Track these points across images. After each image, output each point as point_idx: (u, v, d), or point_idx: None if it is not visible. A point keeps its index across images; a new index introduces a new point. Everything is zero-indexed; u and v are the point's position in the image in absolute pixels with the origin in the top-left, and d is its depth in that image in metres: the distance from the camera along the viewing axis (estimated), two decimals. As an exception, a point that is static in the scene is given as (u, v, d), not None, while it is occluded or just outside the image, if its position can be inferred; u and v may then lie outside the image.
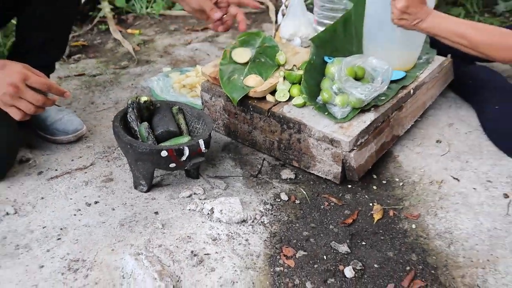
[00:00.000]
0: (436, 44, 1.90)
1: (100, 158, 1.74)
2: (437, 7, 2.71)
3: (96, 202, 1.53)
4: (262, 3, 2.99)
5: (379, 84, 1.65)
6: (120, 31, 2.56)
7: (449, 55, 2.01)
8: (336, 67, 1.69)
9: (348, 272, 1.29)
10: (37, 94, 1.34)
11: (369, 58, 1.73)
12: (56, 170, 1.69)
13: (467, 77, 2.03)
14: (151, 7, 2.86)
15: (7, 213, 1.47)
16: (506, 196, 1.59)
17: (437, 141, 1.86)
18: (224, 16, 1.76)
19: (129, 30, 2.63)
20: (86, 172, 1.68)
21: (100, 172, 1.68)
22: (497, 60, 1.64)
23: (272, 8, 2.90)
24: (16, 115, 1.34)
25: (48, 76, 1.87)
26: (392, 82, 1.79)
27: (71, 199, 1.54)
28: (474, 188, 1.63)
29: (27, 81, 1.33)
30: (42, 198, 1.55)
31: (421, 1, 1.59)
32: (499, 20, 2.80)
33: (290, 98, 1.74)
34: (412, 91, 1.84)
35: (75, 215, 1.48)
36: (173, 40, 2.57)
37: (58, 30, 1.84)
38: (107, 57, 2.36)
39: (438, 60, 2.00)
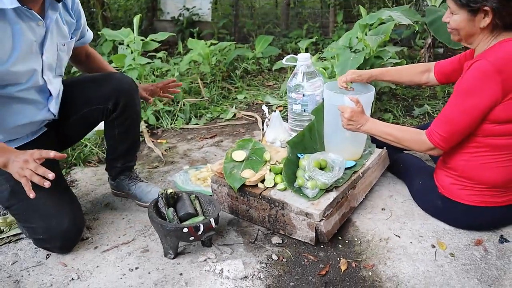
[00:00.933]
0: (375, 140, 1.89)
1: (139, 235, 1.67)
2: (373, 114, 2.75)
3: (136, 268, 1.48)
4: (252, 116, 3.02)
5: (337, 171, 1.63)
6: (152, 141, 2.56)
7: (384, 147, 1.98)
8: (306, 161, 1.66)
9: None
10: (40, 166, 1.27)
11: (329, 153, 1.71)
12: (107, 245, 1.61)
13: (399, 162, 1.99)
14: (174, 123, 2.87)
15: (72, 279, 1.43)
16: (433, 246, 1.55)
17: (382, 209, 1.80)
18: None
19: (159, 140, 2.63)
20: (129, 246, 1.60)
21: (139, 245, 1.61)
22: (413, 150, 1.65)
23: (259, 119, 2.89)
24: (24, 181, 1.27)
25: (132, 168, 1.90)
26: (346, 169, 1.74)
27: (118, 266, 1.49)
28: (410, 242, 1.57)
29: (29, 166, 1.27)
30: (97, 266, 1.49)
31: (361, 112, 1.62)
32: (417, 121, 2.78)
33: (275, 184, 1.69)
34: (361, 175, 1.79)
35: (121, 278, 1.43)
36: (190, 146, 2.54)
37: (134, 137, 1.87)
38: (143, 160, 2.34)
39: (378, 151, 1.96)
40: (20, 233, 1.68)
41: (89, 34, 1.79)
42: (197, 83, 3.53)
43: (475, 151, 1.51)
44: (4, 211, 1.86)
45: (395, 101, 3.15)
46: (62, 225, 1.48)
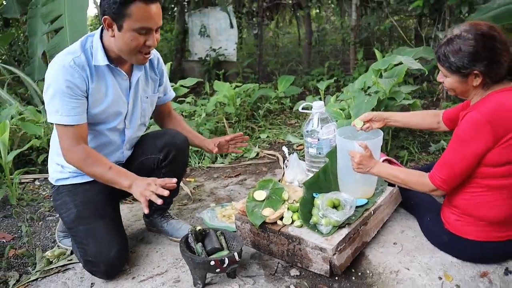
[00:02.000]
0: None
1: (171, 267, 1.84)
2: (389, 151, 2.92)
3: None
4: (273, 155, 3.22)
5: (348, 210, 1.78)
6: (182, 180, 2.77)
7: (396, 186, 2.07)
8: (321, 200, 1.81)
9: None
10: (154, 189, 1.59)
11: (342, 193, 1.86)
12: (144, 275, 1.79)
13: (410, 199, 2.10)
14: (201, 162, 3.06)
15: None
16: (440, 278, 1.67)
17: (394, 243, 1.92)
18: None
19: (187, 179, 2.79)
20: (162, 276, 1.78)
21: (171, 276, 1.78)
22: (417, 191, 1.77)
23: (281, 159, 3.08)
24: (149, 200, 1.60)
25: (167, 210, 2.16)
26: (358, 207, 1.89)
27: None
28: (419, 274, 1.69)
29: (151, 188, 1.60)
30: None
31: (369, 156, 1.80)
32: (432, 157, 2.91)
33: (293, 221, 1.83)
34: (372, 212, 1.92)
35: None
36: (216, 184, 2.70)
37: (177, 184, 2.05)
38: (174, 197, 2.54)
39: (389, 189, 2.08)
40: (68, 264, 1.92)
41: (171, 94, 2.12)
42: (223, 123, 3.79)
43: (475, 191, 1.66)
44: (53, 244, 2.13)
45: (411, 137, 3.31)
46: (110, 252, 1.73)
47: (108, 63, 1.70)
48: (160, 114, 2.14)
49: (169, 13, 8.03)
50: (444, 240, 1.81)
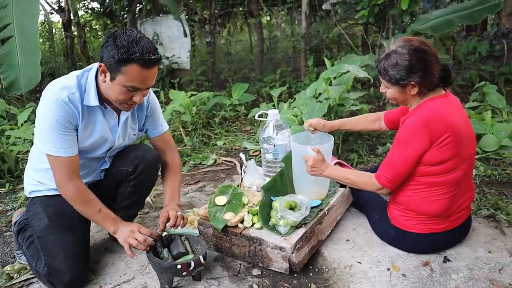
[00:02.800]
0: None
1: (138, 274, 1.90)
2: (340, 154, 3.11)
3: None
4: (231, 161, 3.33)
5: (304, 210, 1.91)
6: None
7: (347, 187, 2.25)
8: (278, 203, 1.93)
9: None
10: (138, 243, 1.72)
11: (297, 195, 1.99)
12: (111, 284, 1.84)
13: (360, 198, 2.27)
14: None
15: None
16: (388, 269, 1.83)
17: (347, 240, 2.07)
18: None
19: None
20: (130, 283, 1.83)
21: (139, 282, 1.84)
22: (366, 190, 1.94)
23: (238, 165, 3.19)
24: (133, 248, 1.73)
25: (132, 220, 2.19)
26: (313, 207, 2.03)
27: None
28: (370, 267, 1.85)
29: (134, 235, 1.73)
30: None
31: (322, 160, 1.95)
32: (380, 159, 3.10)
33: (253, 224, 1.93)
34: (326, 212, 2.06)
35: None
36: None
37: (140, 200, 2.17)
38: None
39: (341, 190, 2.25)
40: (30, 278, 1.93)
41: (163, 128, 2.09)
42: (179, 131, 3.86)
43: (416, 188, 1.85)
44: (12, 259, 2.12)
45: (360, 141, 3.53)
46: (77, 263, 1.79)
47: (99, 104, 1.74)
48: (156, 150, 2.10)
49: (120, 19, 7.97)
50: (390, 235, 1.99)
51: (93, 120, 1.80)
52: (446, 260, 1.90)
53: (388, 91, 1.84)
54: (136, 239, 1.72)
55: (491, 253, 1.92)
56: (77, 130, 1.76)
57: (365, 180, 1.89)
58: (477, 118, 3.27)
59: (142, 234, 1.75)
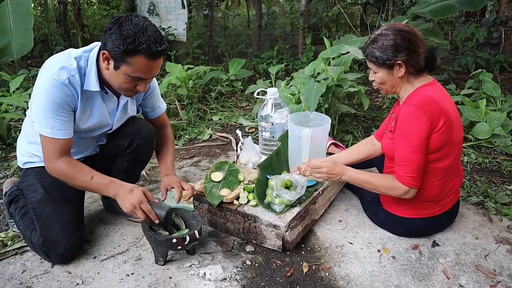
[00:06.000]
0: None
1: (132, 246, 1.93)
2: (335, 135, 3.12)
3: (132, 274, 1.74)
4: (226, 137, 3.33)
5: (299, 190, 1.92)
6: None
7: None
8: (274, 181, 1.94)
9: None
10: (143, 213, 1.67)
11: (293, 174, 1.98)
12: (105, 255, 1.87)
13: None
14: None
15: (77, 284, 1.69)
16: (379, 251, 1.87)
17: (339, 221, 2.10)
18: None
19: None
20: (124, 255, 1.86)
21: (133, 254, 1.87)
22: (390, 195, 1.83)
23: (233, 141, 3.19)
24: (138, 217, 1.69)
25: None
26: (308, 187, 2.02)
27: (116, 272, 1.75)
28: (361, 248, 1.89)
29: (141, 205, 1.66)
30: (98, 273, 1.75)
31: (335, 164, 1.88)
32: None
33: (248, 201, 1.95)
34: (321, 192, 2.08)
35: (120, 282, 1.69)
36: None
37: (135, 174, 2.16)
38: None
39: None
40: (24, 246, 1.94)
41: (159, 110, 2.07)
42: (175, 105, 3.84)
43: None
44: (5, 227, 2.12)
45: (356, 122, 3.54)
46: (72, 235, 1.80)
47: (99, 89, 1.70)
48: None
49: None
50: (382, 218, 2.02)
51: (91, 103, 1.76)
52: (434, 244, 1.94)
53: (377, 75, 1.82)
54: (142, 210, 1.67)
55: (478, 239, 1.97)
56: (74, 112, 1.72)
57: (388, 183, 1.79)
58: (472, 106, 3.29)
59: (147, 204, 1.68)
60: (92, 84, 1.68)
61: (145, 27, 1.53)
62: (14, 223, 2.02)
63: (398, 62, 1.74)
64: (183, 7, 6.30)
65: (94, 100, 1.76)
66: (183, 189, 1.88)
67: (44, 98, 1.62)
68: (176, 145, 3.19)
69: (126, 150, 2.01)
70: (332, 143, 2.54)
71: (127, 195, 1.68)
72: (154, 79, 1.99)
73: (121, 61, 1.57)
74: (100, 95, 1.76)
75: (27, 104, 3.11)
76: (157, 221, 1.70)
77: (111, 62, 1.60)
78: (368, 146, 2.16)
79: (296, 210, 1.92)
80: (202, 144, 3.22)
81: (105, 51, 1.58)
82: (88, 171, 1.72)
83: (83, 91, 1.69)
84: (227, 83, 4.54)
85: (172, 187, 1.89)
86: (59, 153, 1.69)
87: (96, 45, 1.71)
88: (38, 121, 1.66)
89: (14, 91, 3.40)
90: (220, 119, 3.75)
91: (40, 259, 1.86)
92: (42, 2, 7.29)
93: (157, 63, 1.60)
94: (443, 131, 1.73)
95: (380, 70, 1.79)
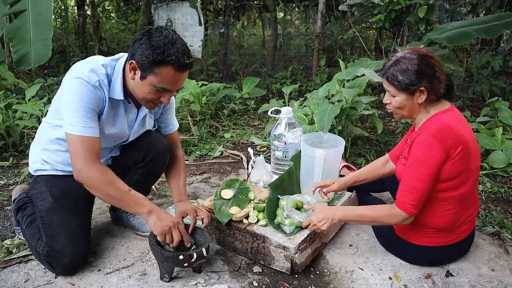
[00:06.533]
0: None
1: (137, 260, 1.89)
2: (348, 158, 3.08)
3: None
4: (237, 155, 3.32)
5: (310, 211, 1.89)
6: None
7: (354, 191, 2.24)
8: (285, 202, 1.92)
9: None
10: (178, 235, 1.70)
11: (304, 196, 1.97)
12: (110, 268, 1.84)
13: (366, 204, 2.11)
14: None
15: None
16: (390, 278, 1.82)
17: (350, 245, 2.05)
18: None
19: None
20: (129, 269, 1.83)
21: (138, 269, 1.83)
22: (389, 224, 1.83)
23: (244, 159, 3.17)
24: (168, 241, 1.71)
25: None
26: None
27: (120, 286, 1.72)
28: (372, 274, 1.83)
29: (172, 230, 1.68)
30: (102, 286, 1.72)
31: (323, 209, 1.85)
32: None
33: (258, 221, 1.92)
34: None
35: None
36: None
37: (147, 188, 2.16)
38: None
39: (348, 194, 2.22)
40: (29, 255, 1.92)
41: (172, 127, 2.08)
42: (187, 120, 3.84)
43: (426, 203, 1.80)
44: (11, 234, 2.11)
45: (368, 146, 3.50)
46: (78, 247, 1.77)
47: (123, 98, 1.72)
48: None
49: (134, 2, 7.93)
50: (394, 245, 1.96)
51: (114, 112, 1.77)
52: (448, 274, 1.88)
53: (395, 99, 1.77)
54: (172, 237, 1.69)
55: (494, 272, 1.90)
56: (99, 117, 1.72)
57: (386, 212, 1.77)
58: (487, 134, 3.24)
59: (183, 226, 1.74)
60: (117, 92, 1.69)
61: (175, 39, 1.55)
62: (20, 230, 2.00)
63: (421, 88, 1.70)
64: (200, 24, 6.37)
65: (117, 109, 1.77)
66: (198, 216, 1.89)
67: (75, 98, 1.61)
68: (187, 160, 3.17)
69: (139, 163, 1.99)
70: (344, 165, 2.50)
71: (164, 214, 1.69)
72: (173, 96, 1.99)
73: (148, 71, 1.58)
74: (123, 105, 1.77)
75: (42, 112, 3.14)
76: (188, 245, 1.74)
77: (138, 72, 1.62)
78: (381, 167, 2.13)
79: (306, 232, 1.88)
80: (212, 161, 3.20)
81: (133, 61, 1.60)
82: (125, 183, 1.70)
83: (109, 98, 1.70)
84: (240, 101, 4.55)
85: (187, 214, 1.88)
86: (93, 155, 1.64)
87: (123, 55, 1.73)
88: (68, 121, 1.62)
89: (29, 99, 3.43)
90: (231, 136, 3.74)
91: (44, 268, 1.83)
92: (63, 14, 7.44)
93: (183, 76, 1.62)
94: (459, 159, 1.69)
95: (400, 94, 1.75)
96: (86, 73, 1.63)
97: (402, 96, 1.74)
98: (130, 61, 1.61)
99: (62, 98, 1.66)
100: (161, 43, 1.52)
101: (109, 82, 1.69)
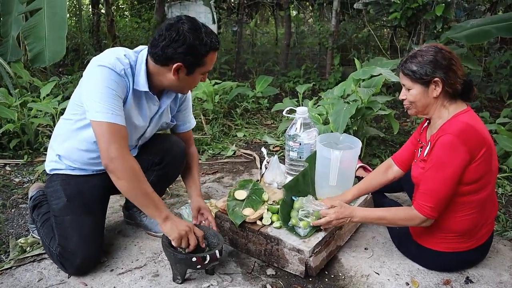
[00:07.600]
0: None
1: (150, 261, 1.88)
2: (362, 158, 3.03)
3: None
4: (250, 155, 3.29)
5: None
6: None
7: (370, 193, 2.18)
8: (299, 203, 1.89)
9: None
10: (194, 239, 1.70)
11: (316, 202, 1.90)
12: (122, 268, 1.83)
13: (381, 206, 2.13)
14: None
15: None
16: (407, 284, 1.78)
17: (365, 249, 2.02)
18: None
19: None
20: (141, 270, 1.82)
21: (150, 270, 1.82)
22: (407, 226, 1.84)
23: (257, 159, 3.14)
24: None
25: None
26: None
27: (132, 287, 1.73)
28: (388, 279, 1.80)
29: (189, 234, 1.68)
30: (114, 287, 1.72)
31: (341, 207, 1.82)
32: None
33: (272, 222, 1.89)
34: None
35: None
36: None
37: (161, 190, 2.14)
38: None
39: (363, 196, 2.14)
40: (43, 253, 1.92)
41: (189, 124, 2.08)
42: (200, 119, 3.82)
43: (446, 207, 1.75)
44: (26, 233, 2.11)
45: (383, 146, 3.45)
46: (90, 247, 1.77)
47: (147, 89, 1.71)
48: None
49: (148, 0, 7.94)
50: (411, 249, 1.92)
51: (137, 103, 1.76)
52: (468, 281, 1.83)
53: (410, 92, 1.72)
54: (188, 242, 1.69)
55: (515, 278, 1.84)
56: (123, 105, 1.69)
57: (404, 214, 1.75)
58: (507, 135, 3.15)
59: (199, 229, 1.75)
60: (141, 84, 1.69)
61: (200, 26, 1.61)
62: (35, 228, 2.00)
63: (436, 79, 1.65)
64: (214, 22, 6.35)
65: (140, 100, 1.76)
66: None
67: (102, 85, 1.59)
68: (199, 159, 3.15)
69: (156, 166, 1.98)
70: (360, 166, 2.46)
71: (179, 220, 1.71)
72: (190, 93, 2.02)
73: (195, 66, 1.64)
74: (145, 96, 1.76)
75: (56, 110, 3.14)
76: (203, 246, 1.75)
77: (183, 71, 1.64)
78: (385, 173, 2.06)
79: (321, 235, 1.85)
80: (225, 160, 3.18)
81: (178, 64, 1.61)
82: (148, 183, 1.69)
83: (133, 89, 1.70)
84: (253, 99, 4.51)
85: (202, 213, 1.92)
86: (125, 143, 1.61)
87: (144, 47, 1.72)
88: (95, 109, 1.57)
89: (44, 97, 3.44)
90: (244, 135, 3.72)
91: (57, 268, 1.83)
92: (77, 12, 7.48)
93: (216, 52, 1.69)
94: (483, 160, 1.65)
95: (414, 86, 1.70)
96: (112, 61, 1.61)
97: (417, 88, 1.70)
98: (176, 65, 1.61)
99: (85, 88, 1.63)
100: (203, 35, 1.58)
101: (133, 72, 1.68)
